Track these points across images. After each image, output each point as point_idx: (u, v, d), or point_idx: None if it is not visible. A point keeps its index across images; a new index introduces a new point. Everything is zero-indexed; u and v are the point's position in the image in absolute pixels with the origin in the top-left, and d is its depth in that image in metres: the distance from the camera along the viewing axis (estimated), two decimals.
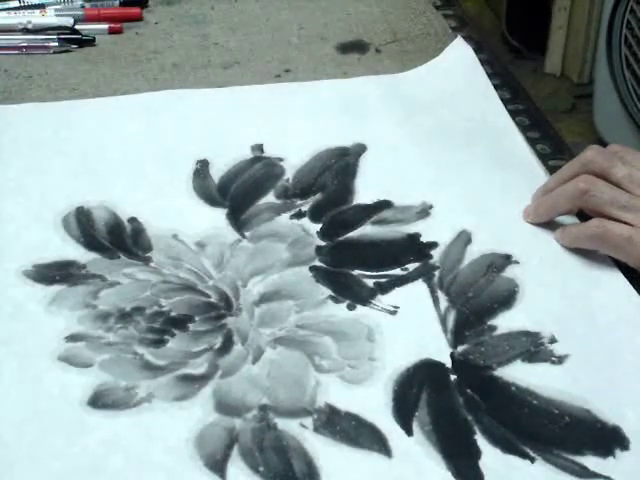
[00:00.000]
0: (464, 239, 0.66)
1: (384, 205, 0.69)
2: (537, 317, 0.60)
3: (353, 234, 0.67)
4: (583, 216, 0.66)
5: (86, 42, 0.89)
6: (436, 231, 0.66)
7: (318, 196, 0.70)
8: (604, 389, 0.55)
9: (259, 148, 0.74)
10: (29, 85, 0.83)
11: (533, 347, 0.58)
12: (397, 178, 0.71)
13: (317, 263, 0.64)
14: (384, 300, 0.61)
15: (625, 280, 0.62)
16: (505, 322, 0.59)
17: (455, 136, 0.76)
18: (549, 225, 0.67)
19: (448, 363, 0.57)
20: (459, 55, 0.85)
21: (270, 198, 0.70)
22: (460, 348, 0.58)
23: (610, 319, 0.60)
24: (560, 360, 0.57)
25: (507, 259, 0.64)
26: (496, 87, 0.82)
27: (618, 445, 0.52)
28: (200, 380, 0.55)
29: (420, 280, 0.63)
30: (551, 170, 0.72)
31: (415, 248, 0.65)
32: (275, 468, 0.50)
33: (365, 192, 0.70)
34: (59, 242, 0.65)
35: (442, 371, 0.56)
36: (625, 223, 0.61)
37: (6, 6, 0.92)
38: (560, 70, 1.08)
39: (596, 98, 0.95)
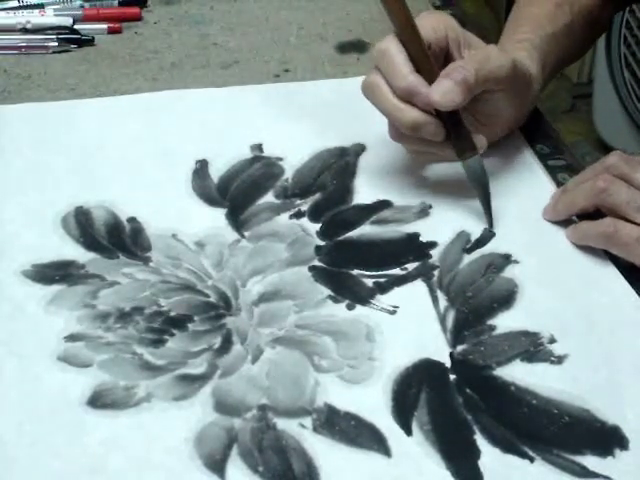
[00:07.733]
0: (463, 239, 0.66)
1: (383, 205, 0.69)
2: (536, 317, 0.60)
3: (352, 234, 0.67)
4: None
5: (85, 42, 0.89)
6: (435, 231, 0.66)
7: (317, 196, 0.70)
8: (603, 389, 0.55)
9: (258, 148, 0.74)
10: (28, 85, 0.83)
11: (532, 347, 0.58)
12: (396, 178, 0.71)
13: (316, 263, 0.64)
14: (383, 300, 0.61)
15: (624, 280, 0.62)
16: (504, 322, 0.59)
17: None
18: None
19: (447, 363, 0.57)
20: None
21: (269, 198, 0.70)
22: (459, 348, 0.58)
23: (609, 319, 0.60)
24: (559, 360, 0.57)
25: (506, 259, 0.64)
26: None
27: (617, 445, 0.52)
28: (199, 380, 0.55)
29: (419, 280, 0.63)
30: (550, 170, 0.72)
31: (414, 248, 0.65)
32: (274, 468, 0.50)
33: (364, 192, 0.70)
34: (58, 242, 0.65)
35: (441, 371, 0.56)
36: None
37: (5, 6, 0.92)
38: None
39: (595, 98, 0.95)
